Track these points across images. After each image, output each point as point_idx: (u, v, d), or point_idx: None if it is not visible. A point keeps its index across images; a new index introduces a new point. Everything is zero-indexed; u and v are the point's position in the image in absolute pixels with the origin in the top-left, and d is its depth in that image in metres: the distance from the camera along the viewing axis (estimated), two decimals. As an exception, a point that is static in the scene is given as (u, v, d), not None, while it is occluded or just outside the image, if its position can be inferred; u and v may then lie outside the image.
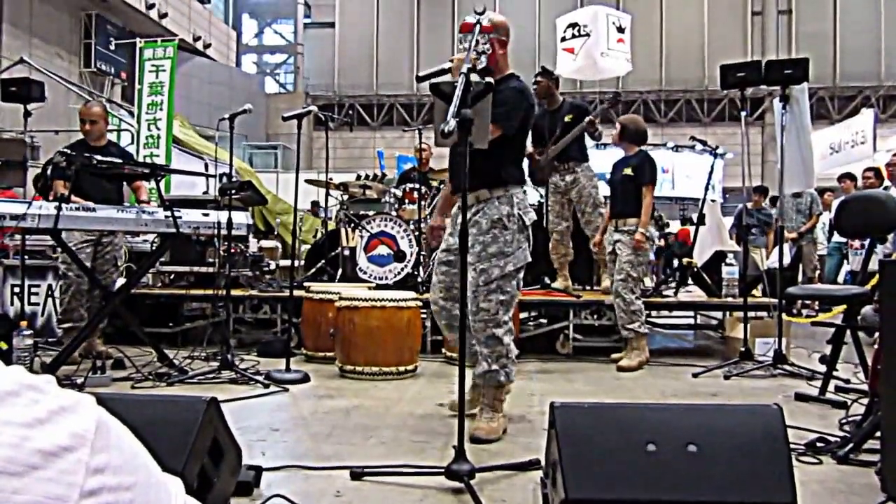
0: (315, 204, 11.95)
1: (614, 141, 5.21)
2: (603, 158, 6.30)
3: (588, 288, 6.29)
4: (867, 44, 24.55)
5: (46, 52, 15.74)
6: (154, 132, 8.85)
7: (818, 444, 2.88)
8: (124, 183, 5.20)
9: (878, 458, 2.45)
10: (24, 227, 3.84)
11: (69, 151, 4.28)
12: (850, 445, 2.77)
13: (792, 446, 1.96)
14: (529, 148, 5.89)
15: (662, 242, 9.05)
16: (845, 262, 8.29)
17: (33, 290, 5.76)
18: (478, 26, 3.10)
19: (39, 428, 0.46)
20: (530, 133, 5.92)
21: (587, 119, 5.54)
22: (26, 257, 5.27)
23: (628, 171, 5.06)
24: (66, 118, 13.24)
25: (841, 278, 8.33)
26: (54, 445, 0.46)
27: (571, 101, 6.02)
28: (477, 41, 3.14)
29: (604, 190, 5.80)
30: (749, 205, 8.84)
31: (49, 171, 4.25)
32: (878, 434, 2.58)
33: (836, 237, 8.57)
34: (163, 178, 5.00)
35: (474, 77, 2.72)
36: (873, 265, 4.38)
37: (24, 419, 0.46)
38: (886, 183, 7.20)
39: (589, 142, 5.86)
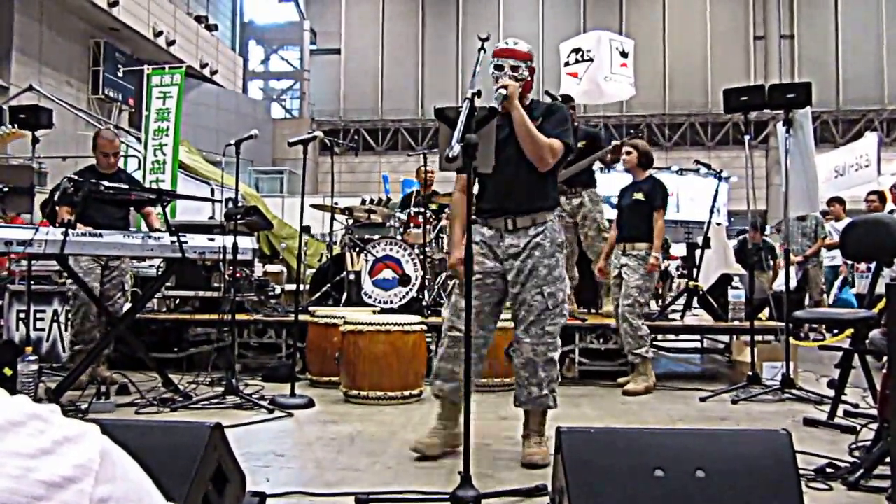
0: (307, 229, 11.94)
1: (628, 165, 5.20)
2: (606, 182, 6.31)
3: (593, 311, 6.27)
4: (869, 68, 24.66)
5: (55, 80, 15.93)
6: (160, 157, 8.91)
7: (828, 470, 2.85)
8: (131, 209, 5.23)
9: (888, 483, 2.42)
10: (30, 252, 3.86)
11: (77, 178, 4.31)
12: (861, 471, 2.74)
13: (801, 472, 1.94)
14: None
15: (666, 264, 9.06)
16: (837, 281, 8.52)
17: (39, 315, 5.76)
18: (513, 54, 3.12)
19: (44, 459, 0.46)
20: None
21: (613, 144, 5.56)
22: (32, 283, 5.28)
23: (639, 195, 5.06)
24: (73, 144, 13.37)
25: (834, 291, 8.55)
26: (58, 476, 0.46)
27: (585, 128, 6.05)
28: (519, 67, 3.16)
29: (608, 213, 5.82)
30: (748, 237, 8.87)
31: (56, 197, 4.28)
32: (888, 460, 2.55)
33: (828, 261, 8.71)
34: (168, 204, 5.01)
35: (478, 102, 2.73)
36: (880, 289, 4.36)
37: (29, 450, 0.46)
38: (891, 206, 7.19)
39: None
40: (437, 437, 3.22)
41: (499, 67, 3.15)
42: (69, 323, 5.06)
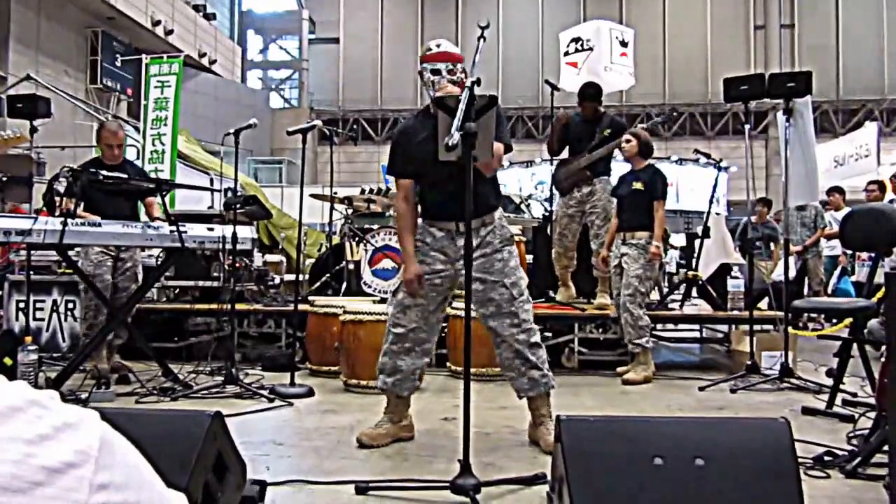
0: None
1: (628, 154, 5.18)
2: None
3: (592, 301, 6.27)
4: (870, 58, 24.60)
5: (53, 69, 15.87)
6: (159, 147, 8.89)
7: (826, 459, 2.86)
8: (138, 201, 5.22)
9: (886, 472, 2.43)
10: (29, 242, 3.86)
11: (75, 168, 4.30)
12: (859, 459, 2.75)
13: (800, 460, 1.94)
14: (565, 154, 5.88)
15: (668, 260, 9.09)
16: (836, 271, 8.56)
17: (38, 305, 5.77)
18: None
19: (43, 444, 0.46)
20: (558, 138, 5.91)
21: (629, 132, 5.53)
22: (31, 273, 5.28)
23: (638, 185, 5.05)
24: (72, 134, 13.34)
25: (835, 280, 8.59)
26: (58, 462, 0.46)
27: (612, 116, 5.97)
28: (455, 70, 3.20)
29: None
30: (753, 218, 8.85)
31: (63, 190, 4.27)
32: (886, 448, 2.56)
33: (828, 251, 8.73)
34: (167, 193, 5.01)
35: (477, 90, 2.71)
36: (879, 278, 4.36)
37: (29, 435, 0.46)
38: (891, 195, 7.19)
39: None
40: (382, 429, 3.26)
41: (436, 72, 3.15)
42: (83, 317, 5.05)
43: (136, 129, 9.76)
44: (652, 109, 25.08)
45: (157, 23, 18.50)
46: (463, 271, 3.10)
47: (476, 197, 3.10)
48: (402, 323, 3.22)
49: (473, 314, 2.81)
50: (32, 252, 5.31)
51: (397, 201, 3.32)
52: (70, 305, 5.81)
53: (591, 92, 5.78)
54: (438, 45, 3.22)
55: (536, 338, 3.22)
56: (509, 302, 3.14)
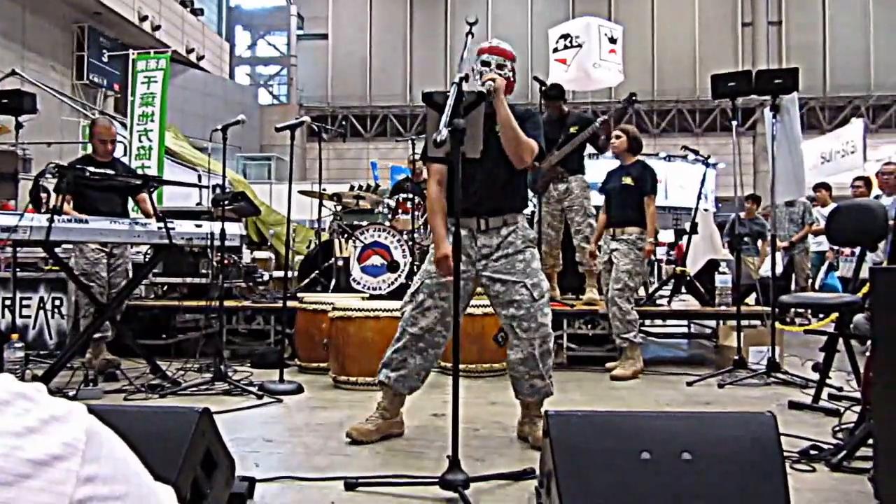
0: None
1: (618, 150, 5.20)
2: (593, 168, 6.29)
3: (580, 298, 6.30)
4: (857, 55, 24.76)
5: (40, 65, 15.73)
6: (146, 143, 8.84)
7: (812, 452, 2.89)
8: (128, 198, 5.20)
9: (871, 465, 2.46)
10: (15, 238, 3.83)
11: (62, 163, 4.27)
12: (844, 453, 2.78)
13: (786, 454, 1.96)
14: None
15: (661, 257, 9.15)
16: (823, 266, 8.62)
17: (25, 302, 5.73)
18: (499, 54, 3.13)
19: (30, 437, 0.46)
20: None
21: (600, 119, 5.55)
22: (18, 270, 5.24)
23: (628, 180, 5.07)
24: (58, 130, 13.23)
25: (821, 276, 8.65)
26: (45, 455, 0.46)
27: (578, 113, 6.05)
28: (504, 66, 3.17)
29: (595, 199, 5.82)
30: (742, 214, 8.90)
31: (52, 187, 4.26)
32: (870, 441, 2.59)
33: (814, 247, 8.80)
34: (155, 190, 5.00)
35: (466, 87, 2.72)
36: (865, 273, 4.40)
37: (15, 428, 0.46)
38: (877, 191, 7.24)
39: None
40: (373, 425, 3.25)
41: (485, 63, 3.15)
42: (83, 314, 5.03)
43: (124, 125, 9.70)
44: (640, 106, 25.15)
45: (144, 18, 18.36)
46: (484, 272, 3.13)
47: (498, 195, 3.12)
48: (420, 324, 3.16)
49: (471, 311, 2.81)
50: (19, 249, 5.27)
51: (430, 184, 3.26)
52: (57, 303, 5.78)
53: (553, 93, 5.89)
54: (490, 42, 3.23)
55: (550, 344, 3.19)
56: (531, 303, 3.10)
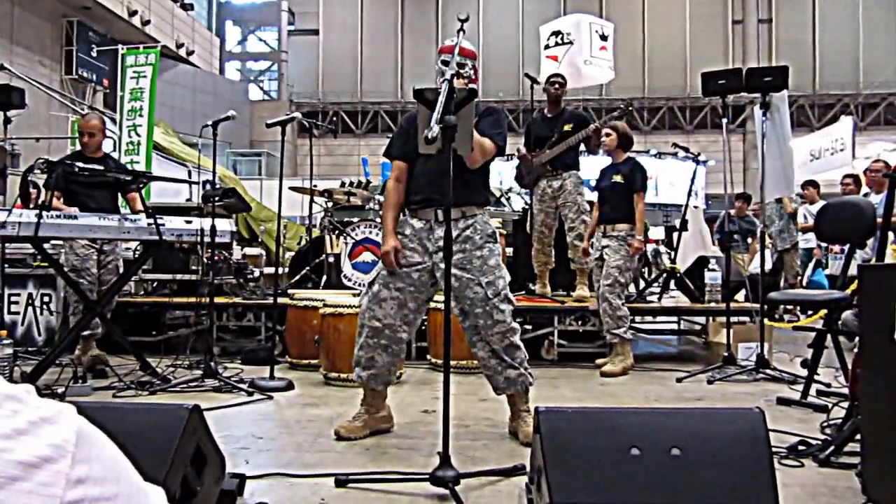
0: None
1: (608, 147, 5.21)
2: (585, 166, 6.30)
3: (571, 294, 6.31)
4: (846, 53, 24.92)
5: (28, 60, 15.61)
6: (134, 139, 8.79)
7: (800, 448, 2.91)
8: (118, 195, 5.17)
9: (858, 460, 2.48)
10: (4, 234, 3.80)
11: (51, 159, 4.24)
12: (831, 448, 2.80)
13: (774, 449, 1.98)
14: (522, 150, 5.91)
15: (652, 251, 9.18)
16: (811, 263, 8.69)
17: (13, 298, 5.69)
18: (457, 49, 3.10)
19: (19, 439, 0.46)
20: (525, 137, 5.97)
21: (592, 126, 5.53)
22: (6, 266, 5.20)
23: (618, 178, 5.08)
24: (47, 125, 13.15)
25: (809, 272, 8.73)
26: (34, 457, 0.46)
27: (573, 111, 6.02)
28: (465, 65, 3.19)
29: (588, 196, 5.83)
30: (732, 212, 8.94)
31: (43, 183, 4.23)
32: (858, 437, 2.61)
33: (803, 244, 8.85)
34: (144, 186, 4.98)
35: (457, 84, 2.72)
36: (853, 270, 4.43)
37: (4, 430, 0.46)
38: (865, 189, 7.29)
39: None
40: (360, 421, 3.26)
41: (445, 63, 3.14)
42: (72, 311, 5.00)
43: (113, 120, 9.65)
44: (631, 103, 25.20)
45: (133, 13, 18.26)
46: (441, 264, 3.12)
47: (457, 186, 3.10)
48: (377, 316, 3.16)
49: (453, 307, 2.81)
50: (7, 244, 5.23)
51: (389, 180, 3.30)
52: (46, 299, 5.75)
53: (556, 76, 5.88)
54: (453, 40, 3.22)
55: (515, 339, 3.18)
56: (484, 301, 3.10)
